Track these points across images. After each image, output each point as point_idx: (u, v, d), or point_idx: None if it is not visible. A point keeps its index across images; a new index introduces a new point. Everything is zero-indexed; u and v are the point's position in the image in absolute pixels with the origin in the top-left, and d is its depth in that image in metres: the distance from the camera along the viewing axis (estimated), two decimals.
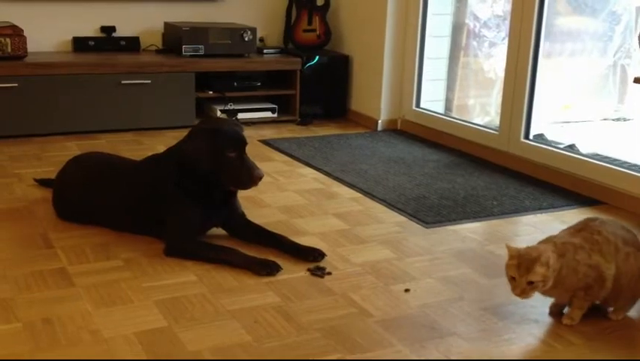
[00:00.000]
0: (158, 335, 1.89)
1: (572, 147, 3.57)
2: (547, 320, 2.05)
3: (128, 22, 4.45)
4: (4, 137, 3.82)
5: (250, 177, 2.40)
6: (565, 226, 2.81)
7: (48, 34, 4.26)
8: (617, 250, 1.98)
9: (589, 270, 1.95)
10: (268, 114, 4.51)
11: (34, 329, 1.89)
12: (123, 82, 4.03)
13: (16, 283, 2.14)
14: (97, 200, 2.61)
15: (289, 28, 4.76)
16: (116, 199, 2.57)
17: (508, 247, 1.96)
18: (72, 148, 3.66)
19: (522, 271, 1.90)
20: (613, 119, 4.35)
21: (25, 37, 3.88)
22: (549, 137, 3.74)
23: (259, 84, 4.49)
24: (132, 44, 4.41)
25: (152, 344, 1.83)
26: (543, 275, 1.89)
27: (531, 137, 3.62)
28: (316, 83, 4.57)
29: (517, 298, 2.17)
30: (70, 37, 4.33)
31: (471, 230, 2.76)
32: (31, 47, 4.01)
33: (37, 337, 1.85)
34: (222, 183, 2.44)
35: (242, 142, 2.44)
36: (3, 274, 2.21)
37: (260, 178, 2.42)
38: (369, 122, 4.50)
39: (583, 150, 3.50)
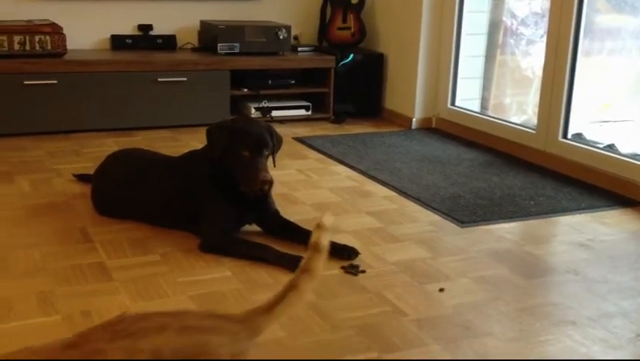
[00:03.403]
0: None
1: (611, 147, 3.50)
2: (585, 321, 2.02)
3: (165, 21, 4.50)
4: (43, 133, 3.89)
5: (255, 178, 2.39)
6: (604, 228, 2.78)
7: (87, 32, 4.32)
8: None
9: None
10: (302, 112, 4.52)
11: (73, 321, 1.92)
12: (159, 80, 4.08)
13: (56, 277, 2.18)
14: (135, 195, 2.64)
15: (324, 26, 4.76)
16: (154, 195, 2.59)
17: None
18: (110, 144, 3.72)
19: None
20: None
21: (64, 35, 3.95)
22: (588, 136, 3.68)
23: (293, 82, 4.50)
24: (169, 42, 4.45)
25: None
26: None
27: (569, 136, 3.56)
28: (350, 81, 4.56)
29: (555, 299, 2.15)
30: (108, 35, 4.39)
31: (507, 230, 2.73)
32: (71, 44, 4.07)
33: (76, 329, 1.87)
34: (236, 182, 2.44)
35: (259, 144, 2.42)
36: (43, 267, 2.25)
37: (264, 181, 2.38)
38: (404, 121, 4.48)
39: (622, 150, 3.43)
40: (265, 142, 2.44)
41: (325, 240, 1.45)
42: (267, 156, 2.47)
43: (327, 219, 1.46)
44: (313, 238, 1.45)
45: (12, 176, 3.17)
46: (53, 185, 3.08)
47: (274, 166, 2.55)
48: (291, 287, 1.41)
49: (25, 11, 4.13)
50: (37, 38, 3.87)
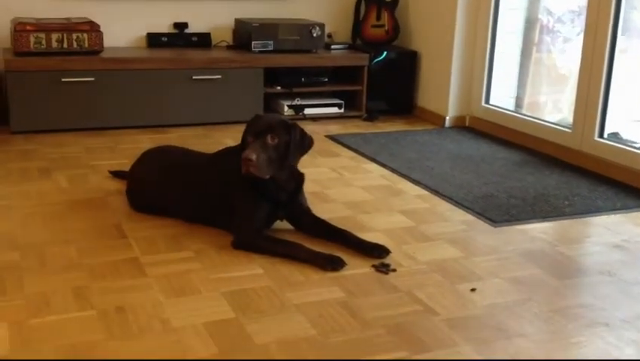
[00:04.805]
0: (226, 326, 1.92)
1: None
2: (618, 323, 2.00)
3: (200, 19, 4.54)
4: (80, 129, 3.96)
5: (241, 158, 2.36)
6: (639, 229, 2.74)
7: (123, 30, 4.38)
8: None
9: None
10: (335, 110, 4.52)
11: (108, 316, 1.95)
12: (194, 77, 4.12)
13: (92, 272, 2.22)
14: (169, 192, 2.68)
15: (358, 24, 4.76)
16: (187, 192, 2.63)
17: None
18: (145, 141, 3.77)
19: None
20: None
21: (101, 33, 4.01)
22: (624, 136, 3.62)
23: (326, 80, 4.51)
24: (203, 40, 4.50)
25: (220, 335, 1.87)
26: None
27: (605, 135, 3.51)
28: (383, 78, 4.55)
29: (589, 301, 2.13)
30: (144, 33, 4.45)
31: (541, 230, 2.70)
32: (107, 42, 4.14)
33: (111, 325, 1.91)
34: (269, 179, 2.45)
35: (263, 130, 2.38)
36: (79, 262, 2.30)
37: (245, 160, 2.32)
38: (437, 119, 4.46)
39: None
40: (270, 128, 2.39)
41: None
42: (272, 145, 2.37)
43: None
44: None
45: (50, 172, 3.24)
46: (90, 181, 3.14)
47: (291, 163, 2.48)
48: None
49: (63, 9, 4.21)
50: (74, 36, 3.94)
